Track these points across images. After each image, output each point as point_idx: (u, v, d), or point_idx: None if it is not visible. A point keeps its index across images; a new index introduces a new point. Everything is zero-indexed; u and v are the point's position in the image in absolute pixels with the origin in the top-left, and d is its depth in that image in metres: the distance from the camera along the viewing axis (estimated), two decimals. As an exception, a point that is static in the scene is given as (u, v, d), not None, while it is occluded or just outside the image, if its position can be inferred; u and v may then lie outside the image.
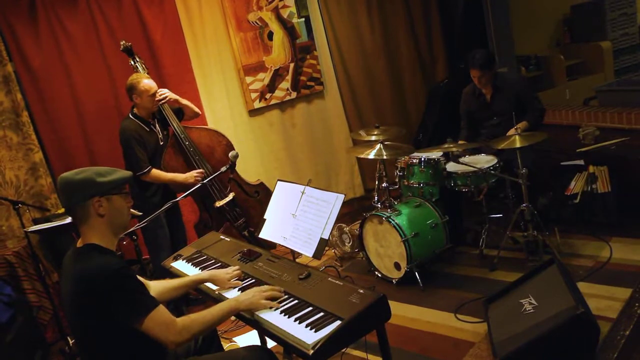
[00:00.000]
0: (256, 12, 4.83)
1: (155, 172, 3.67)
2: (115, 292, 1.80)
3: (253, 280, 2.38)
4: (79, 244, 1.94)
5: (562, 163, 4.18)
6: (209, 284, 2.40)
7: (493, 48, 5.86)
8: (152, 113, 3.75)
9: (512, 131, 3.65)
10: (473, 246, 3.97)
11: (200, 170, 3.77)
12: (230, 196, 3.91)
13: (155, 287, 2.27)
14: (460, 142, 4.06)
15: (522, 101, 3.95)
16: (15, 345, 3.20)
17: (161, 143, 3.79)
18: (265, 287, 2.16)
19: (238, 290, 2.32)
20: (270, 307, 2.07)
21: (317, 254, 2.56)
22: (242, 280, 2.40)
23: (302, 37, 5.09)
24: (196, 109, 3.96)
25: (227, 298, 2.28)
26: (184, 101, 3.89)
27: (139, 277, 1.95)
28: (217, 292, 2.35)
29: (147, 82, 3.62)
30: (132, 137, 3.59)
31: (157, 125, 3.79)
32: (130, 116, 3.68)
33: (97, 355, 1.92)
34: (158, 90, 3.73)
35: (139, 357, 1.94)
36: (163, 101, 3.74)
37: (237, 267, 2.47)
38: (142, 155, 3.61)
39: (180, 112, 3.89)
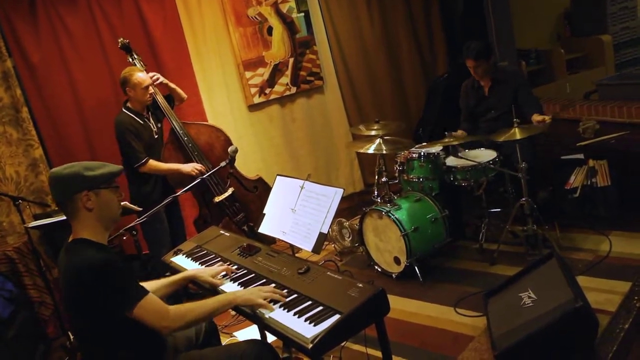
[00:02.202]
0: (255, 7, 4.82)
1: (153, 162, 3.67)
2: (102, 284, 1.81)
3: (245, 271, 2.41)
4: (70, 239, 1.95)
5: (562, 157, 4.18)
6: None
7: (493, 42, 5.84)
8: (146, 106, 3.75)
9: (538, 117, 3.62)
10: (473, 240, 3.97)
11: (201, 165, 3.77)
12: (230, 191, 3.91)
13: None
14: (458, 131, 4.05)
15: (520, 96, 3.91)
16: (16, 340, 3.21)
17: (155, 136, 3.78)
18: (268, 287, 2.14)
19: (233, 282, 2.34)
20: (266, 309, 2.05)
21: (317, 249, 2.56)
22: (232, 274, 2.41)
23: (302, 32, 5.08)
24: (183, 93, 3.96)
25: (224, 290, 2.30)
26: (172, 85, 3.89)
27: None
28: (219, 288, 2.36)
29: (140, 75, 3.62)
30: (127, 129, 3.59)
31: (150, 118, 3.79)
32: (124, 110, 3.68)
33: (96, 348, 1.93)
34: (149, 74, 3.72)
35: (137, 349, 1.95)
36: (156, 83, 3.74)
37: (221, 263, 2.49)
38: (138, 147, 3.61)
39: (169, 99, 3.89)
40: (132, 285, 1.89)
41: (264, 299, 2.06)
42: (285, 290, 2.15)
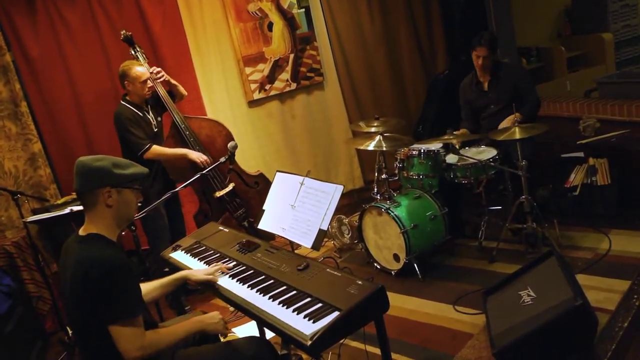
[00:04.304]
0: (256, 3, 4.80)
1: (157, 147, 3.65)
2: (107, 284, 1.81)
3: (244, 267, 2.40)
4: (83, 231, 1.95)
5: (562, 155, 4.18)
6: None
7: (494, 39, 5.83)
8: (145, 100, 3.73)
9: (506, 122, 3.63)
10: (472, 238, 3.97)
11: (207, 157, 3.76)
12: (230, 187, 3.91)
13: None
14: (460, 130, 4.04)
15: (520, 91, 3.91)
16: (14, 335, 3.20)
17: (155, 130, 3.77)
18: (215, 315, 2.16)
19: (232, 279, 2.33)
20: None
21: (316, 245, 2.56)
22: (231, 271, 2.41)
23: (302, 27, 5.07)
24: (184, 91, 3.95)
25: (223, 287, 2.31)
26: (174, 81, 3.88)
27: None
28: (215, 284, 2.36)
29: (138, 69, 3.61)
30: (127, 118, 3.58)
31: (150, 111, 3.77)
32: (123, 102, 3.67)
33: (94, 342, 1.92)
34: (152, 69, 3.72)
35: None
36: (160, 80, 3.74)
37: (215, 264, 2.48)
38: (140, 133, 3.59)
39: (170, 94, 3.88)
40: (134, 299, 1.89)
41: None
42: (272, 281, 2.17)
